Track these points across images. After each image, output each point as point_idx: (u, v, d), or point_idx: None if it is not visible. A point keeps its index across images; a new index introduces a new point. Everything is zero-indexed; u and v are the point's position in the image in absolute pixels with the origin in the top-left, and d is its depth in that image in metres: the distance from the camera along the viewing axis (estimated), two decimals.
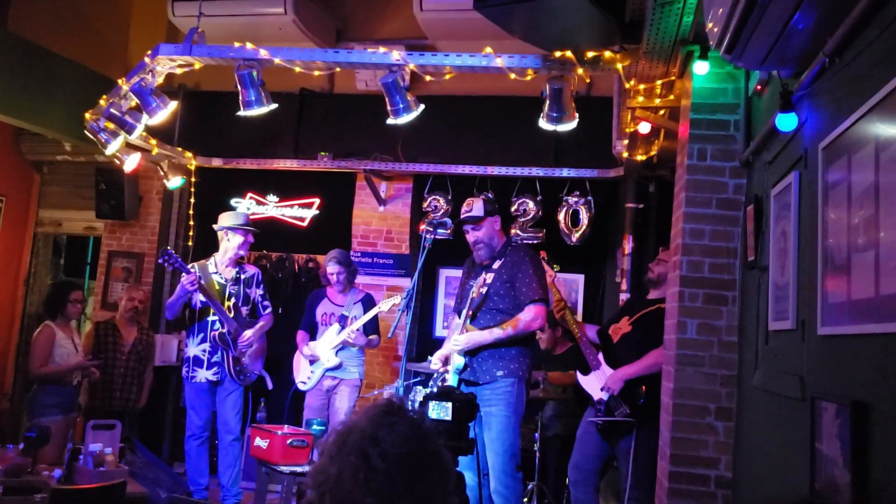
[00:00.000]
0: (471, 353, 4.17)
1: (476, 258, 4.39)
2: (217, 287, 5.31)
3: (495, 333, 4.04)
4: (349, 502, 1.23)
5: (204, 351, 5.26)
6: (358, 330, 5.50)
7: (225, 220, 5.46)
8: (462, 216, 4.41)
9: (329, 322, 5.63)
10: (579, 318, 6.52)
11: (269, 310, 5.56)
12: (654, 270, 4.48)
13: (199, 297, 5.21)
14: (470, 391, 4.06)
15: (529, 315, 4.05)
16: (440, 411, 4.32)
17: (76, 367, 5.41)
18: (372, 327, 5.64)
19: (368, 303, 5.77)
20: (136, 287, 6.44)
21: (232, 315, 5.26)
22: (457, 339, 4.16)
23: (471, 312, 4.23)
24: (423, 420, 1.33)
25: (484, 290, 4.20)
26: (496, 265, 4.25)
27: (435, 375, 5.71)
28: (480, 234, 4.30)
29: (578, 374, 4.48)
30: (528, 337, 4.21)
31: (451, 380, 4.23)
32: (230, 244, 5.38)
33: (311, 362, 5.57)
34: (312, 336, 5.70)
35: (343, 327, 5.56)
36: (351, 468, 1.24)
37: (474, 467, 4.07)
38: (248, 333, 5.28)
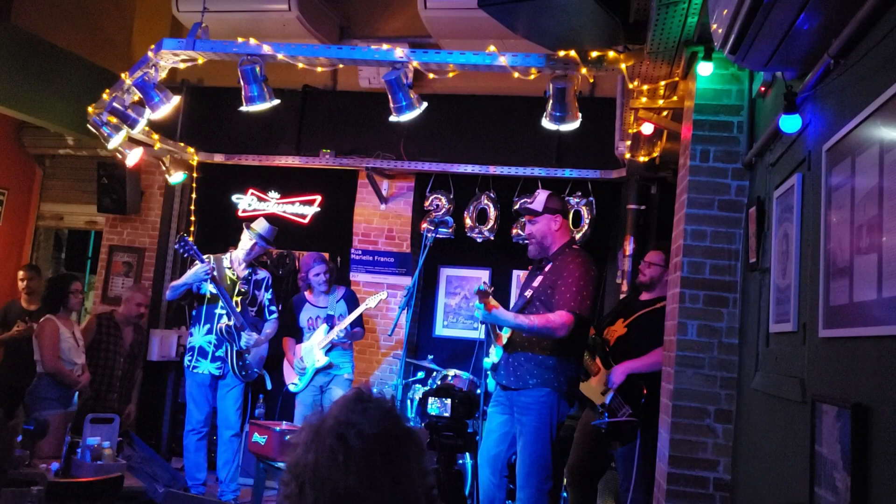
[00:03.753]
0: (508, 352, 4.01)
1: (528, 253, 4.18)
2: (228, 282, 5.33)
3: (519, 319, 3.83)
4: (330, 485, 1.22)
5: (209, 342, 5.27)
6: (345, 329, 5.52)
7: (260, 226, 5.44)
8: (521, 206, 4.19)
9: (316, 325, 5.65)
10: None
11: (275, 315, 5.56)
12: (645, 274, 4.45)
13: (210, 288, 5.23)
14: (507, 395, 4.00)
15: (558, 318, 3.79)
16: (439, 407, 4.31)
17: (79, 387, 5.40)
18: (356, 321, 5.68)
19: (351, 298, 5.80)
20: (140, 289, 6.37)
21: (239, 310, 5.29)
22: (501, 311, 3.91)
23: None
24: (393, 404, 1.34)
25: (529, 293, 4.02)
26: (547, 268, 4.02)
27: (434, 374, 5.72)
28: (534, 229, 4.06)
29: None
30: (565, 347, 3.92)
31: (489, 383, 4.16)
32: (245, 246, 5.40)
33: (301, 365, 5.58)
34: (298, 341, 5.71)
35: (331, 326, 5.58)
36: (328, 452, 1.23)
37: (493, 465, 4.03)
38: (259, 339, 5.29)
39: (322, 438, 1.25)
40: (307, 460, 1.25)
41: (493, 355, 4.08)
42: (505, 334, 4.06)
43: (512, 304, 4.18)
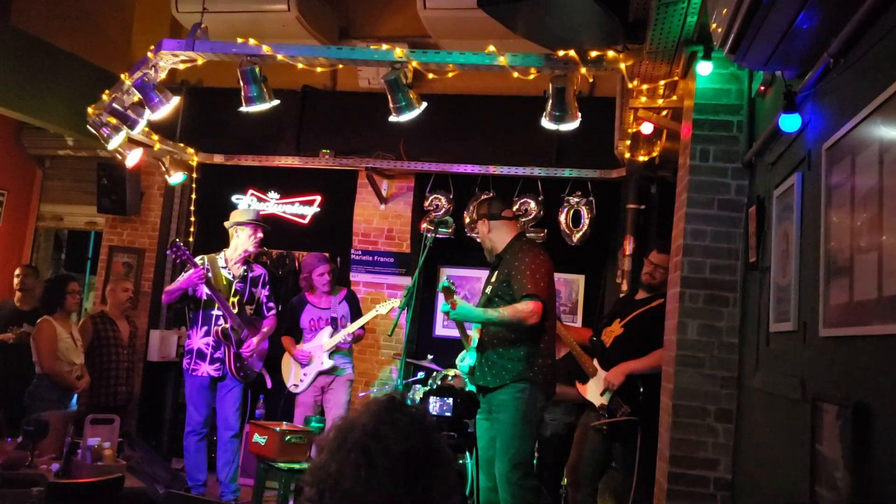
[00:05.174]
0: (480, 353, 4.04)
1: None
2: (224, 282, 5.32)
3: (488, 313, 3.88)
4: (350, 499, 1.21)
5: (207, 345, 5.26)
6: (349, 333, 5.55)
7: (235, 216, 5.47)
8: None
9: (319, 327, 5.63)
10: (580, 319, 6.53)
11: (273, 311, 5.55)
12: (654, 276, 4.41)
13: (205, 290, 5.22)
14: (486, 398, 3.99)
15: (525, 307, 3.82)
16: (441, 407, 4.30)
17: (78, 389, 5.42)
18: (357, 317, 5.70)
19: (352, 299, 5.81)
20: (124, 279, 6.49)
21: (236, 311, 5.27)
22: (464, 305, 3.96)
23: None
24: (425, 416, 1.31)
25: (489, 289, 4.09)
26: (499, 265, 4.11)
27: (434, 374, 5.72)
28: (479, 234, 4.29)
29: (577, 384, 4.49)
30: (532, 336, 3.95)
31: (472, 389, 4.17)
32: (240, 241, 5.39)
33: (304, 364, 5.57)
34: (297, 341, 5.70)
35: (334, 328, 5.57)
36: (352, 465, 1.22)
37: (487, 471, 4.01)
38: (254, 341, 5.29)
39: (347, 450, 1.24)
40: (330, 469, 1.24)
41: (469, 359, 4.10)
42: (474, 335, 4.07)
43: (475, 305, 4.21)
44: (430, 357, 6.04)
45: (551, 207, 6.33)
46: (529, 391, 3.89)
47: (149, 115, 4.77)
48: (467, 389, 4.30)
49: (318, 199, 7.01)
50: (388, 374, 6.62)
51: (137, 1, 7.31)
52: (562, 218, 6.29)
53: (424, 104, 4.33)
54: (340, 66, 4.58)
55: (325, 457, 1.26)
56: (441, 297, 4.14)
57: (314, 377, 5.55)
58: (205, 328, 5.28)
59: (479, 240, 4.33)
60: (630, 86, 4.02)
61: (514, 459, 3.86)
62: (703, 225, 3.41)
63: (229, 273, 5.37)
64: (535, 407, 3.93)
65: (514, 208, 6.25)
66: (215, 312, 5.26)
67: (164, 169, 6.28)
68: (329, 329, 5.59)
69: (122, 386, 5.87)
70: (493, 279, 4.12)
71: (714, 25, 2.61)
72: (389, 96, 4.24)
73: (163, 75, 4.69)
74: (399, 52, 4.18)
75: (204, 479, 5.32)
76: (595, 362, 4.39)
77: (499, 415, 3.93)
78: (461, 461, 5.03)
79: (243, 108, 4.46)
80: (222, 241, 5.58)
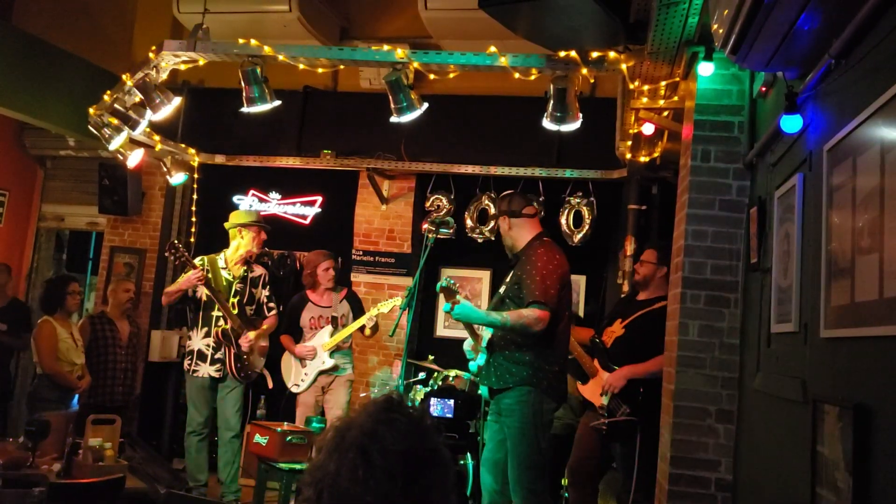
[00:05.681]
0: (489, 353, 4.00)
1: None
2: (224, 283, 5.32)
3: (491, 316, 3.83)
4: (347, 499, 1.21)
5: (207, 346, 5.26)
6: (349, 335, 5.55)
7: (237, 217, 5.48)
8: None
9: (319, 325, 5.63)
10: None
11: (273, 311, 5.55)
12: (639, 272, 4.47)
13: (205, 291, 5.22)
14: (494, 400, 3.98)
15: (531, 313, 3.75)
16: (443, 408, 4.29)
17: (79, 389, 5.43)
18: (359, 317, 5.70)
19: (353, 299, 5.81)
20: (125, 280, 6.52)
21: (236, 312, 5.27)
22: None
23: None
24: (423, 416, 1.31)
25: (502, 290, 4.06)
26: (516, 265, 4.05)
27: (435, 376, 5.72)
28: (500, 231, 4.19)
29: (578, 384, 4.49)
30: (540, 342, 3.84)
31: (482, 390, 4.16)
32: (243, 241, 5.39)
33: (307, 359, 5.56)
34: (296, 340, 5.69)
35: (335, 327, 5.57)
36: (350, 465, 1.22)
37: (495, 473, 4.00)
38: (251, 335, 5.28)
39: (345, 450, 1.24)
40: (328, 469, 1.24)
41: (478, 359, 4.08)
42: (485, 337, 4.05)
43: (490, 305, 4.19)
44: (431, 357, 6.05)
45: (552, 208, 6.32)
46: (535, 395, 3.85)
47: (150, 116, 4.77)
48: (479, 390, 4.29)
49: (320, 199, 7.02)
50: (389, 375, 6.62)
51: (139, 1, 7.31)
52: (563, 219, 6.28)
53: (425, 105, 4.33)
54: (342, 66, 4.58)
55: (323, 457, 1.26)
56: (442, 297, 4.16)
57: (315, 377, 5.55)
58: (205, 329, 5.28)
59: (485, 236, 4.28)
60: (631, 86, 4.02)
61: (524, 464, 3.84)
62: (705, 226, 3.40)
63: (229, 274, 5.37)
64: (542, 410, 3.87)
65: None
66: (215, 313, 5.26)
67: (165, 169, 6.28)
68: (329, 328, 5.58)
69: (120, 386, 5.88)
70: (507, 279, 4.06)
71: (715, 26, 2.61)
72: (391, 97, 4.24)
73: (164, 76, 4.69)
74: (400, 53, 4.18)
75: (205, 479, 5.33)
76: (596, 363, 4.39)
77: (507, 419, 3.91)
78: (461, 462, 5.03)
79: (245, 109, 4.47)
80: (224, 242, 5.58)
